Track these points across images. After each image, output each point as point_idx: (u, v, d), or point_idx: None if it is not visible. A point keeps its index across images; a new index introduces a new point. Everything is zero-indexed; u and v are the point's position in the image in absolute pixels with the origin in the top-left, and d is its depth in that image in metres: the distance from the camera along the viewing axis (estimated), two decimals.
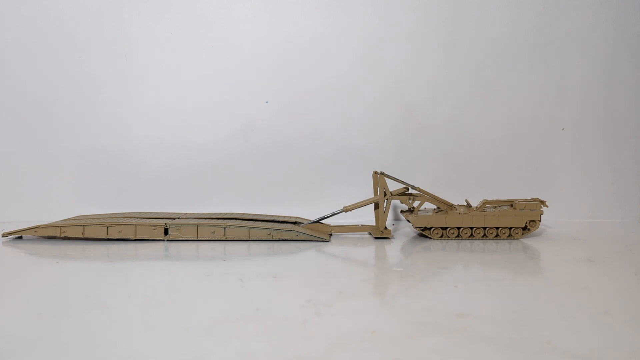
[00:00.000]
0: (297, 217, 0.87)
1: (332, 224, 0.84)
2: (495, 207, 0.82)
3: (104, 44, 0.95)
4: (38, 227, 0.78)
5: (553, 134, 0.99)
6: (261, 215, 0.87)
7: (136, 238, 0.77)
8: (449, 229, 0.79)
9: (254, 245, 0.76)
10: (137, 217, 0.82)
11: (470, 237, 0.79)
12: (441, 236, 0.80)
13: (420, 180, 0.90)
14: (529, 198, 0.85)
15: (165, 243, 0.76)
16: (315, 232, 0.80)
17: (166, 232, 0.78)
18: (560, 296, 0.52)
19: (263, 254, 0.70)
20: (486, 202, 0.82)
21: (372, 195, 0.84)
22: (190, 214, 0.86)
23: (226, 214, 0.86)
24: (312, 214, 0.88)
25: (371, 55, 0.97)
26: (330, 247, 0.75)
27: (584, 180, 1.00)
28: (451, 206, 0.81)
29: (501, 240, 0.79)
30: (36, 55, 0.95)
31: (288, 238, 0.78)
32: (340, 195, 0.95)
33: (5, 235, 0.79)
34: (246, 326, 0.43)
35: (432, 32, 0.97)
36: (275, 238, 0.78)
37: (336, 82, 0.97)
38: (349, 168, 0.98)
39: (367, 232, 0.85)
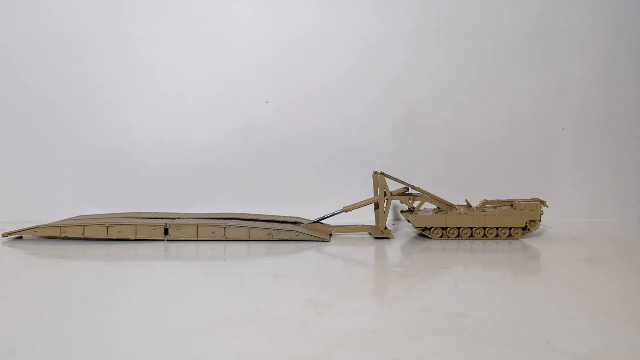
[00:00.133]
0: (297, 217, 0.87)
1: (332, 224, 0.84)
2: (495, 207, 0.82)
3: (104, 44, 0.95)
4: (38, 227, 0.78)
5: (553, 134, 0.99)
6: (261, 215, 0.87)
7: (136, 238, 0.77)
8: (449, 229, 0.79)
9: (254, 245, 0.76)
10: (137, 217, 0.82)
11: (470, 237, 0.79)
12: (441, 236, 0.80)
13: (420, 180, 0.90)
14: (529, 198, 0.85)
15: (165, 243, 0.76)
16: (315, 232, 0.80)
17: (166, 232, 0.78)
18: (560, 296, 0.52)
19: (263, 254, 0.70)
20: (486, 202, 0.82)
21: (372, 195, 0.84)
22: (190, 214, 0.86)
23: (226, 214, 0.86)
24: (312, 214, 0.88)
25: (371, 55, 0.97)
26: (330, 247, 0.75)
27: (584, 180, 1.00)
28: (451, 206, 0.81)
29: (501, 240, 0.79)
30: (36, 55, 0.95)
31: (288, 238, 0.78)
32: (340, 195, 0.95)
33: (5, 235, 0.79)
34: (246, 326, 0.43)
35: (432, 32, 0.97)
36: (275, 238, 0.78)
37: (336, 82, 0.97)
38: (349, 168, 0.98)
39: (367, 232, 0.85)
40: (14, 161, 0.96)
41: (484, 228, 0.79)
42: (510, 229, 0.79)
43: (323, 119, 0.98)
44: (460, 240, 0.79)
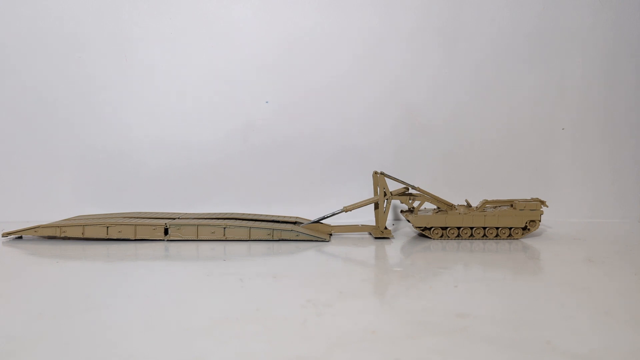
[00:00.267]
0: (297, 217, 0.87)
1: (332, 224, 0.84)
2: (495, 207, 0.82)
3: (104, 43, 0.95)
4: (38, 227, 0.78)
5: (553, 134, 0.99)
6: (261, 215, 0.87)
7: (136, 238, 0.77)
8: (449, 229, 0.79)
9: (254, 245, 0.76)
10: (137, 217, 0.82)
11: (470, 237, 0.79)
12: (441, 236, 0.80)
13: (420, 180, 0.90)
14: (529, 198, 0.85)
15: (165, 243, 0.76)
16: (315, 232, 0.80)
17: (166, 232, 0.78)
18: (560, 296, 0.52)
19: (263, 254, 0.70)
20: (486, 202, 0.82)
21: (372, 195, 0.84)
22: (190, 214, 0.86)
23: (226, 214, 0.86)
24: (312, 214, 0.88)
25: (371, 55, 0.97)
26: (330, 247, 0.75)
27: (584, 180, 1.00)
28: (451, 206, 0.81)
29: (501, 240, 0.79)
30: (36, 55, 0.95)
31: (288, 238, 0.78)
32: (340, 195, 0.95)
33: (5, 235, 0.79)
34: (246, 326, 0.43)
35: (432, 32, 0.97)
36: (275, 238, 0.78)
37: (336, 82, 0.97)
38: (349, 168, 0.98)
39: (367, 232, 0.85)
40: (14, 161, 0.96)
41: (484, 228, 0.79)
42: (510, 229, 0.79)
43: (323, 119, 0.98)
44: (460, 240, 0.79)
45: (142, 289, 0.55)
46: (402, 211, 0.89)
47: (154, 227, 0.77)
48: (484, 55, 0.98)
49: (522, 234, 0.80)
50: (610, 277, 0.59)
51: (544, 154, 1.00)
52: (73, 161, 0.97)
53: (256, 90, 0.97)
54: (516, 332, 0.42)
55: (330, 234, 0.83)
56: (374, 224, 0.83)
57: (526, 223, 0.79)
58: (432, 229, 0.79)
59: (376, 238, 0.81)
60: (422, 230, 0.80)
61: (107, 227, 0.77)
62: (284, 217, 0.87)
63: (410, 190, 0.83)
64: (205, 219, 0.81)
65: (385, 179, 0.80)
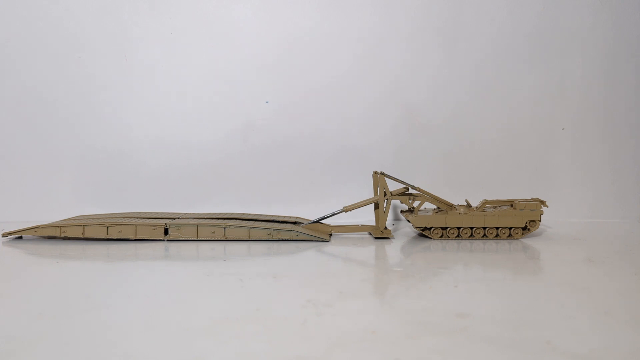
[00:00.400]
0: (297, 217, 0.87)
1: (332, 224, 0.84)
2: (495, 207, 0.82)
3: (104, 43, 0.95)
4: (38, 227, 0.78)
5: (553, 134, 0.99)
6: (261, 215, 0.87)
7: (136, 238, 0.77)
8: (449, 229, 0.79)
9: (254, 245, 0.76)
10: (137, 217, 0.82)
11: (470, 237, 0.79)
12: (441, 236, 0.80)
13: (420, 180, 0.90)
14: (529, 198, 0.85)
15: (165, 243, 0.76)
16: (315, 232, 0.80)
17: (166, 232, 0.78)
18: (560, 296, 0.52)
19: (263, 254, 0.70)
20: (486, 202, 0.82)
21: (372, 195, 0.84)
22: (190, 214, 0.86)
23: (226, 214, 0.86)
24: (312, 214, 0.88)
25: (371, 55, 0.97)
26: (330, 247, 0.75)
27: (584, 180, 1.00)
28: (451, 206, 0.81)
29: (501, 240, 0.79)
30: (36, 55, 0.95)
31: (288, 238, 0.78)
32: (340, 195, 0.95)
33: (5, 235, 0.79)
34: (246, 326, 0.43)
35: (432, 32, 0.97)
36: (275, 238, 0.78)
37: (336, 82, 0.97)
38: (349, 168, 0.98)
39: (367, 232, 0.85)
40: (14, 161, 0.96)
41: (484, 228, 0.79)
42: (510, 229, 0.79)
43: (323, 119, 0.98)
44: (460, 240, 0.79)
45: (142, 289, 0.55)
46: (402, 211, 0.89)
47: (154, 227, 0.77)
48: (484, 55, 0.98)
49: (522, 234, 0.80)
50: (610, 277, 0.59)
51: (544, 154, 1.00)
52: (73, 161, 0.97)
53: (256, 90, 0.97)
54: (516, 332, 0.42)
55: (330, 234, 0.83)
56: (374, 224, 0.83)
57: (526, 223, 0.79)
58: (432, 229, 0.79)
59: (376, 238, 0.81)
60: (422, 230, 0.80)
61: (107, 227, 0.77)
62: (284, 217, 0.87)
63: (410, 190, 0.83)
64: (205, 219, 0.81)
65: (385, 179, 0.80)
